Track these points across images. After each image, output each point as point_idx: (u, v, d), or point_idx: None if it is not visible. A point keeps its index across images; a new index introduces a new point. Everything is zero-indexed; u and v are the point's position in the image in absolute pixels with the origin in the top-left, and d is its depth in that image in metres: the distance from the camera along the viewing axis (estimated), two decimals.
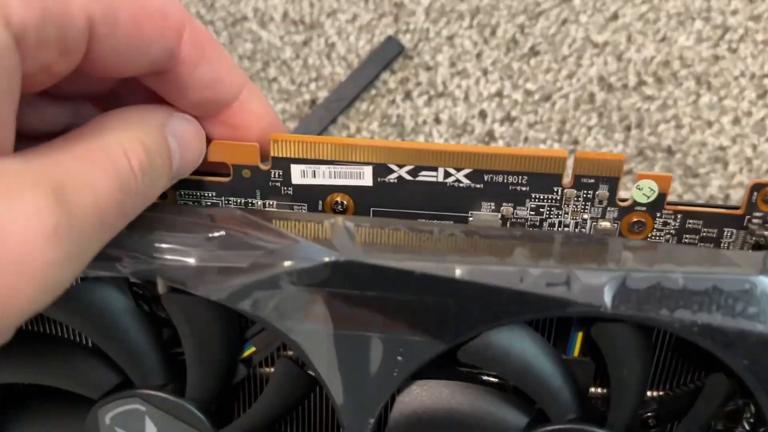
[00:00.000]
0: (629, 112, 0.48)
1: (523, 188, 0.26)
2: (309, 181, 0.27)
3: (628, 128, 0.48)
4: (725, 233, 0.26)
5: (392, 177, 0.26)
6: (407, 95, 0.49)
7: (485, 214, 0.27)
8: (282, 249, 0.24)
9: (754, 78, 0.49)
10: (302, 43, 0.51)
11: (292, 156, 0.26)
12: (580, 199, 0.26)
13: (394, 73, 0.49)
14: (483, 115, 0.48)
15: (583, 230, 0.27)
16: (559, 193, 0.26)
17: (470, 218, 0.27)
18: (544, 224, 0.27)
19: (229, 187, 0.27)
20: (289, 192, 0.27)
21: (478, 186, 0.26)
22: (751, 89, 0.49)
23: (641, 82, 0.49)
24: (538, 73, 0.49)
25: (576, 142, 0.48)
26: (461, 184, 0.26)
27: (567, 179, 0.25)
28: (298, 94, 0.49)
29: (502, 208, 0.27)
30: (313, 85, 0.50)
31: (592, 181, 0.25)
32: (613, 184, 0.25)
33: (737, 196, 0.46)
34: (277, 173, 0.27)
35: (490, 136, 0.48)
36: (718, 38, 0.50)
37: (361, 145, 0.25)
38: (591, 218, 0.26)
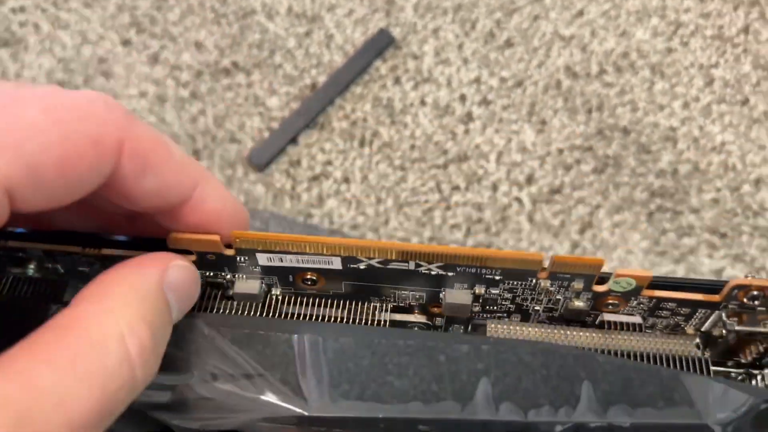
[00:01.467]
0: (591, 97, 0.55)
1: (497, 277, 0.25)
2: (276, 264, 0.26)
3: (589, 111, 0.54)
4: (698, 312, 0.26)
5: (362, 265, 0.26)
6: (397, 80, 0.56)
7: (458, 292, 0.26)
8: (249, 407, 0.24)
9: (702, 68, 0.56)
10: (304, 34, 0.57)
11: (257, 248, 0.25)
12: (554, 287, 0.25)
13: (385, 62, 0.56)
14: (463, 98, 0.55)
15: (554, 312, 0.27)
16: (533, 282, 0.25)
17: (442, 293, 0.26)
18: (518, 302, 0.27)
19: (196, 262, 0.26)
20: (257, 270, 0.27)
21: (450, 274, 0.26)
22: (699, 78, 0.55)
23: (602, 71, 0.55)
24: (511, 62, 0.56)
25: (543, 122, 0.54)
26: (433, 272, 0.26)
27: (543, 274, 0.25)
28: (300, 78, 0.56)
29: (475, 288, 0.26)
30: (313, 71, 0.56)
31: (568, 276, 0.24)
32: (589, 279, 0.25)
33: (684, 169, 0.53)
34: (242, 258, 0.26)
35: (469, 116, 0.54)
36: (672, 33, 0.57)
37: (329, 243, 0.25)
38: (564, 298, 0.26)
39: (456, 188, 0.52)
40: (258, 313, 0.28)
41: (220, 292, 0.28)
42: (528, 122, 0.54)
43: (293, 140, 0.54)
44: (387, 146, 0.54)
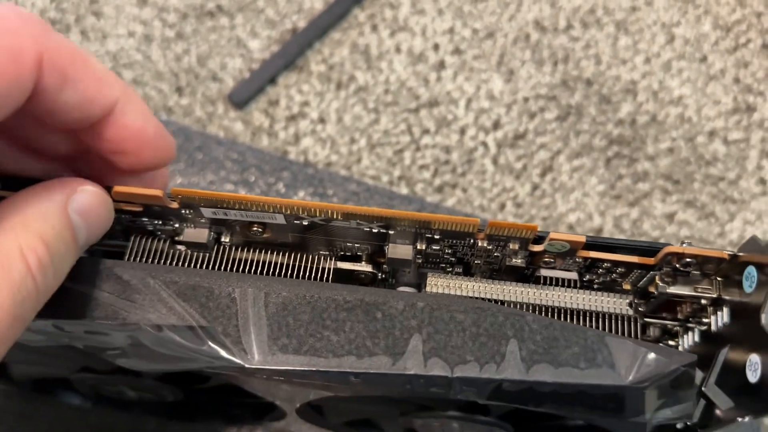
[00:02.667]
0: (557, 49, 0.58)
1: (437, 236, 0.26)
2: (221, 217, 0.27)
3: (555, 63, 0.57)
4: (633, 271, 0.27)
5: (305, 221, 0.27)
6: (374, 28, 0.58)
7: (401, 247, 0.27)
8: (192, 357, 0.25)
9: (665, 27, 0.59)
10: None
11: (200, 204, 0.26)
12: (492, 246, 0.26)
13: (363, 10, 0.59)
14: (436, 47, 0.58)
15: (493, 265, 0.27)
16: (472, 242, 0.26)
17: (386, 247, 0.27)
18: (459, 256, 0.27)
19: (144, 212, 0.27)
20: (204, 221, 0.27)
21: (391, 232, 0.27)
22: (661, 36, 0.58)
23: (569, 26, 0.58)
24: (484, 15, 0.59)
25: (512, 72, 0.57)
26: (374, 230, 0.27)
27: (480, 236, 0.26)
28: (281, 23, 0.59)
29: (416, 243, 0.27)
30: (294, 16, 0.59)
31: (505, 238, 0.26)
32: (525, 241, 0.26)
33: (642, 120, 0.56)
34: (187, 211, 0.27)
35: (441, 65, 0.57)
36: None
37: (270, 202, 0.25)
38: (503, 255, 0.27)
39: (426, 131, 0.55)
40: (208, 261, 0.29)
41: (170, 239, 0.29)
42: (497, 72, 0.57)
43: (272, 81, 0.57)
44: (362, 90, 0.56)
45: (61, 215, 0.22)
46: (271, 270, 0.29)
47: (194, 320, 0.25)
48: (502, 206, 0.53)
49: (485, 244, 0.26)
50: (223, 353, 0.25)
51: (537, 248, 0.26)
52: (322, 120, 0.56)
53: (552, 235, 0.25)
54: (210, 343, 0.25)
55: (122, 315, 0.25)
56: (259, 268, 0.29)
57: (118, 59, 0.57)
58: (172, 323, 0.25)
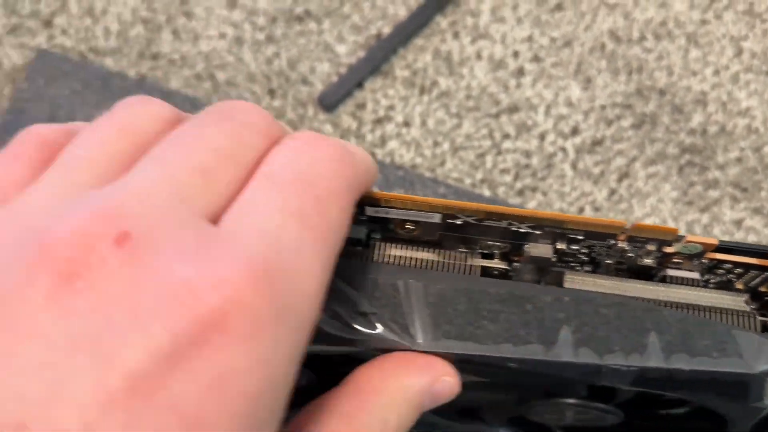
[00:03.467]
0: (632, 60, 0.60)
1: (580, 237, 0.29)
2: (382, 215, 0.30)
3: (630, 72, 0.60)
4: (750, 272, 0.30)
5: (458, 221, 0.29)
6: (456, 35, 0.61)
7: (542, 246, 0.30)
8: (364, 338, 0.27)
9: (733, 40, 0.61)
10: None
11: (366, 203, 0.29)
12: (629, 247, 0.29)
13: (445, 17, 0.61)
14: (516, 55, 0.60)
15: (622, 265, 0.30)
16: (612, 242, 0.29)
17: (526, 246, 0.30)
18: (592, 256, 0.30)
19: None
20: (363, 218, 0.30)
21: (537, 232, 0.29)
22: (729, 48, 0.61)
23: (642, 37, 0.61)
24: (561, 24, 0.61)
25: (588, 80, 0.59)
26: (522, 230, 0.30)
27: (621, 237, 0.27)
28: (366, 29, 0.61)
29: (556, 243, 0.29)
30: (379, 22, 0.61)
31: (644, 239, 0.28)
32: (662, 243, 0.28)
33: (712, 130, 0.58)
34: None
35: (521, 71, 0.60)
36: (707, 6, 0.62)
37: (432, 203, 0.28)
38: (636, 256, 0.29)
39: (506, 136, 0.58)
40: (361, 255, 0.31)
41: None
42: (574, 79, 0.59)
43: (359, 85, 0.59)
44: (445, 95, 0.59)
45: (417, 399, 0.24)
46: (419, 265, 0.32)
47: (365, 307, 0.28)
48: (581, 210, 0.56)
49: (624, 245, 0.28)
50: (393, 337, 0.27)
51: (670, 249, 0.28)
52: (406, 123, 0.58)
53: (688, 237, 0.27)
54: (381, 327, 0.27)
55: None
56: (407, 263, 0.32)
57: (211, 60, 0.59)
58: (348, 311, 0.28)
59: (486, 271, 0.33)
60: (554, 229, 0.29)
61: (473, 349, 0.27)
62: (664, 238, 0.28)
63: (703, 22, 0.61)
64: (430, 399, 0.25)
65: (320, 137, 0.21)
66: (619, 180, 0.57)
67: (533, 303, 0.28)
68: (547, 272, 0.32)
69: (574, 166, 0.57)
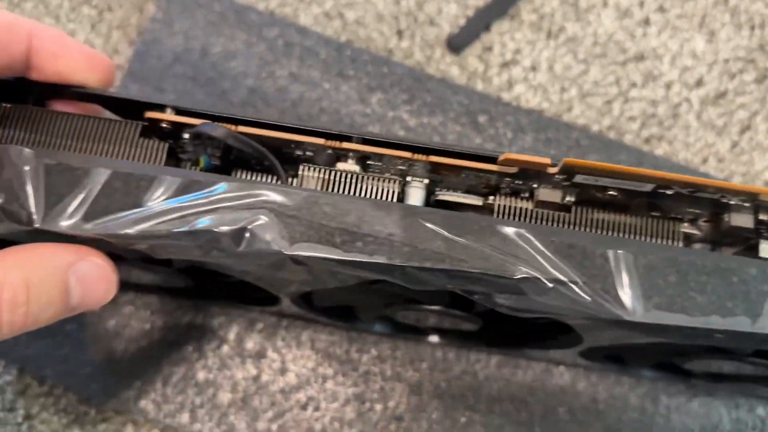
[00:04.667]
0: (754, 15, 0.61)
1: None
2: (591, 182, 0.31)
3: (752, 28, 0.60)
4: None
5: (669, 191, 0.30)
6: None
7: (744, 216, 0.30)
8: (573, 307, 0.28)
9: None
10: None
11: (577, 172, 0.30)
12: None
13: None
14: (642, 4, 0.60)
15: None
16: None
17: (726, 216, 0.31)
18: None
19: (518, 174, 0.31)
20: (566, 184, 0.31)
21: (746, 204, 0.30)
22: None
23: None
24: None
25: (712, 33, 0.60)
26: (732, 201, 0.30)
27: None
28: None
29: (758, 214, 0.30)
30: None
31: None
32: None
33: None
34: (561, 176, 0.31)
35: (647, 21, 0.60)
36: None
37: (645, 174, 0.29)
38: None
39: (633, 85, 0.58)
40: (553, 220, 0.31)
41: (524, 196, 0.32)
42: (698, 32, 0.60)
43: (487, 28, 0.59)
44: (571, 41, 0.59)
45: (58, 272, 0.26)
46: (620, 231, 0.33)
47: (575, 276, 0.28)
48: (705, 160, 0.57)
49: None
50: (608, 306, 0.28)
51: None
52: (533, 68, 0.58)
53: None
54: (595, 297, 0.28)
55: (508, 268, 0.28)
56: (606, 230, 0.32)
57: None
58: (557, 277, 0.28)
59: (688, 239, 0.34)
60: (760, 203, 0.29)
61: (684, 321, 0.27)
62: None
63: None
64: (77, 280, 0.27)
65: None
66: (741, 132, 0.58)
67: (738, 275, 0.28)
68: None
69: (698, 117, 0.58)
